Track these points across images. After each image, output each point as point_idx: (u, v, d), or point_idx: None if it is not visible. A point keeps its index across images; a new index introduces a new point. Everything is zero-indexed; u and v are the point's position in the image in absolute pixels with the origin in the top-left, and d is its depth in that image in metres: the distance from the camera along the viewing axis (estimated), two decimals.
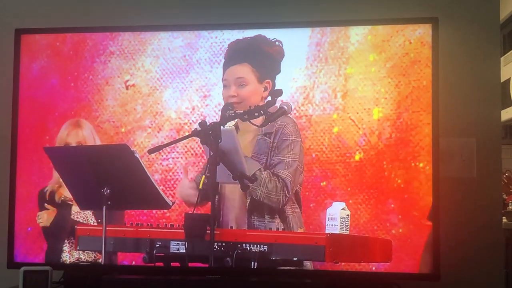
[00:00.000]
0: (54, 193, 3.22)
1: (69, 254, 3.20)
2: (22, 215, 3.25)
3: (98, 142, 3.21)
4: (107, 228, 2.87)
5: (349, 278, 2.99)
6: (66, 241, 3.20)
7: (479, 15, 3.29)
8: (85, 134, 3.21)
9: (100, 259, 2.92)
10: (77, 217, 3.21)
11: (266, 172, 2.95)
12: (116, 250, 3.01)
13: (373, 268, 2.98)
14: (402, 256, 2.97)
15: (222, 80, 3.12)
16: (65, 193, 3.18)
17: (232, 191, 3.00)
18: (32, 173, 3.26)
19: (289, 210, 2.98)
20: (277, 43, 3.10)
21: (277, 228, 2.94)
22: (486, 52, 3.27)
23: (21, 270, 2.92)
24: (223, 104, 3.13)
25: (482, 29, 3.28)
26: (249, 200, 2.98)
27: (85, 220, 3.20)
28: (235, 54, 3.11)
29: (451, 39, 3.18)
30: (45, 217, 3.22)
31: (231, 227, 2.96)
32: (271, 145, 3.00)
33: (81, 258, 3.19)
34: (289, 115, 3.02)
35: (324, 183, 3.06)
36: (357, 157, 3.05)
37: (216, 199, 2.84)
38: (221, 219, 3.01)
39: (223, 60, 3.14)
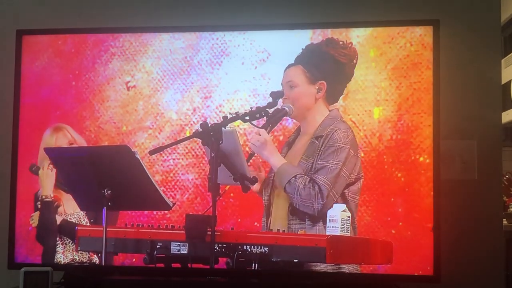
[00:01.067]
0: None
1: (63, 255, 3.20)
2: (22, 216, 3.25)
3: (83, 141, 3.21)
4: (107, 229, 2.87)
5: (350, 279, 2.99)
6: (59, 241, 3.20)
7: (480, 18, 3.29)
8: (72, 134, 3.22)
9: (95, 260, 2.91)
10: (71, 218, 3.21)
11: (301, 179, 2.93)
12: (116, 251, 3.00)
13: (377, 269, 2.98)
14: (403, 258, 2.97)
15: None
16: (47, 191, 3.19)
17: (278, 195, 3.00)
18: (33, 174, 3.25)
19: None
20: (347, 45, 3.04)
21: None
22: (487, 54, 3.28)
23: (21, 271, 2.92)
24: (224, 105, 3.13)
25: (483, 31, 3.28)
26: (288, 204, 2.97)
27: (77, 221, 3.20)
28: (297, 57, 3.07)
29: (452, 41, 3.18)
30: (36, 218, 3.23)
31: (278, 230, 2.91)
32: (319, 148, 2.99)
33: (76, 259, 3.19)
34: (342, 120, 3.01)
35: None
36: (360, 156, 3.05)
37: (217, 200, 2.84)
38: (269, 223, 3.02)
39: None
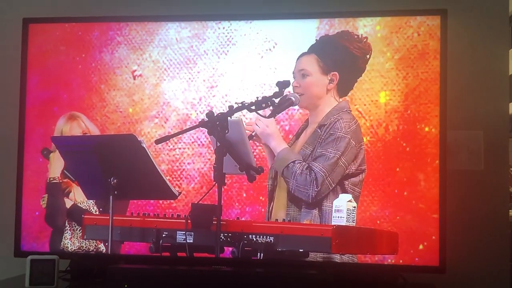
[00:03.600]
0: None
1: (70, 241, 3.21)
2: (29, 204, 3.26)
3: (97, 130, 3.21)
4: (113, 218, 2.88)
5: (355, 269, 3.00)
6: (67, 226, 3.21)
7: (488, 8, 3.27)
8: (86, 124, 3.23)
9: (101, 248, 2.92)
10: (81, 204, 3.22)
11: (299, 164, 2.94)
12: (122, 239, 3.01)
13: (382, 259, 2.99)
14: (409, 248, 2.97)
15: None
16: (54, 173, 3.22)
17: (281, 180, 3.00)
18: (39, 161, 3.26)
19: (329, 205, 2.91)
20: (363, 39, 3.03)
21: (311, 221, 2.91)
22: (494, 44, 3.26)
23: (28, 259, 2.93)
24: (230, 95, 3.13)
25: (491, 21, 3.26)
26: (287, 191, 2.99)
27: (87, 209, 3.21)
28: (310, 46, 3.07)
29: (459, 31, 3.17)
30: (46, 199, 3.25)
31: (276, 219, 2.94)
32: (320, 136, 2.99)
33: (83, 246, 3.20)
34: (351, 111, 3.01)
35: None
36: (363, 149, 3.04)
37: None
38: (271, 209, 3.03)
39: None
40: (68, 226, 3.22)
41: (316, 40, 3.08)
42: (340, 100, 3.04)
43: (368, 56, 3.04)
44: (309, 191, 2.93)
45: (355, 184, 2.98)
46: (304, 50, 3.09)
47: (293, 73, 3.08)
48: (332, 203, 2.87)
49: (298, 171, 2.94)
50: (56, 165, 3.21)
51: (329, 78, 3.03)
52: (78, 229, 3.20)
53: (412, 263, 2.97)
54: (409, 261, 2.97)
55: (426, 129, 3.01)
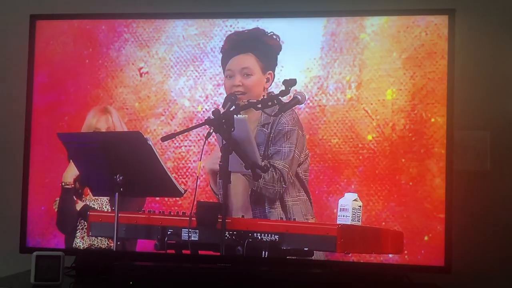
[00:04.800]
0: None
1: (81, 240, 3.22)
2: (34, 200, 3.27)
3: (125, 129, 3.21)
4: (119, 215, 2.88)
5: (360, 269, 2.99)
6: (79, 226, 3.22)
7: (496, 7, 3.26)
8: (114, 120, 3.23)
9: (112, 246, 2.93)
10: (93, 204, 3.22)
11: (263, 163, 2.95)
12: (128, 236, 3.02)
13: (387, 259, 2.98)
14: (414, 248, 2.96)
15: (225, 70, 3.11)
16: (67, 177, 3.21)
17: (237, 181, 2.99)
18: (45, 158, 3.27)
19: (290, 198, 2.98)
20: (274, 36, 3.10)
21: (280, 218, 2.94)
22: (502, 44, 3.25)
23: (33, 255, 2.94)
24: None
25: (499, 21, 3.25)
26: (250, 190, 2.99)
27: (99, 206, 3.22)
28: (239, 44, 3.11)
29: (467, 31, 3.16)
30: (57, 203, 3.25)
31: (242, 216, 2.96)
32: (268, 135, 2.99)
33: (94, 244, 3.20)
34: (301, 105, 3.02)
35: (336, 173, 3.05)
36: (370, 149, 3.04)
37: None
38: (230, 208, 3.02)
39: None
40: (79, 225, 3.22)
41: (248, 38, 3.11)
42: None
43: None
44: (276, 188, 2.95)
45: (305, 170, 3.03)
46: (311, 49, 3.09)
47: (228, 70, 3.08)
48: (290, 196, 2.94)
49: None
50: (71, 170, 3.21)
51: (266, 77, 3.06)
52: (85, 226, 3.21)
53: (417, 263, 2.97)
54: (414, 260, 2.97)
55: (433, 129, 3.00)
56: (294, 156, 2.97)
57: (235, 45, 3.11)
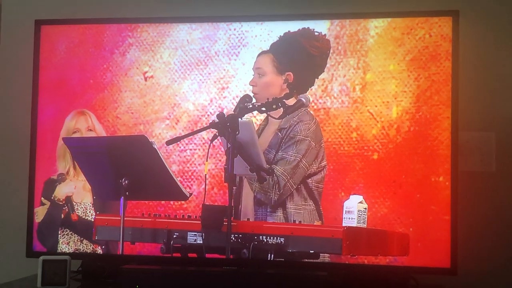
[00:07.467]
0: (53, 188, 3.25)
1: (67, 246, 3.22)
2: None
3: (102, 131, 3.22)
4: (125, 219, 2.89)
5: (366, 271, 2.99)
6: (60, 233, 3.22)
7: (500, 8, 3.25)
8: (93, 121, 3.24)
9: (98, 251, 2.93)
10: (77, 208, 3.22)
11: (268, 166, 2.93)
12: (133, 240, 3.02)
13: (393, 261, 2.98)
14: (420, 250, 2.96)
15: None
16: (60, 192, 3.22)
17: (246, 184, 3.00)
18: (51, 163, 3.28)
19: (293, 206, 2.97)
20: (321, 38, 3.04)
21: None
22: (506, 45, 3.24)
23: (40, 259, 2.95)
24: (241, 96, 3.13)
25: (503, 22, 3.24)
26: (254, 193, 2.99)
27: (83, 211, 3.22)
28: (271, 45, 3.09)
29: (471, 32, 3.15)
30: (41, 213, 3.24)
31: (248, 219, 2.97)
32: (281, 140, 2.99)
33: (79, 249, 3.21)
34: (310, 111, 3.01)
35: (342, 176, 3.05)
36: (375, 151, 3.04)
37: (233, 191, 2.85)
38: (239, 210, 3.02)
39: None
40: (60, 233, 3.22)
41: (278, 37, 3.09)
42: (299, 97, 3.01)
43: (328, 52, 3.04)
44: (271, 194, 2.95)
45: (318, 181, 3.00)
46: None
47: (253, 70, 3.10)
48: (294, 204, 2.92)
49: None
50: (66, 187, 3.22)
51: (284, 78, 3.03)
52: (71, 233, 3.21)
53: (423, 264, 2.96)
54: (420, 262, 2.96)
55: (438, 130, 3.00)
56: (298, 166, 2.95)
57: (270, 46, 3.10)
